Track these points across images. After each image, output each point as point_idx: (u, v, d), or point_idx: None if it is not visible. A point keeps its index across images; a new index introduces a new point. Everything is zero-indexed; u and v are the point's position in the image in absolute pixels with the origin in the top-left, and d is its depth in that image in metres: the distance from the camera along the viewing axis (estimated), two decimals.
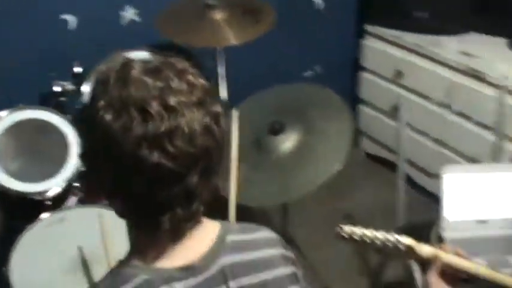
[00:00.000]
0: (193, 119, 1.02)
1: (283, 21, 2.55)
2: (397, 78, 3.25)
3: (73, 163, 2.16)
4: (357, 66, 3.52)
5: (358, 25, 3.46)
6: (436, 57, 3.05)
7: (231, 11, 2.21)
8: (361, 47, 3.43)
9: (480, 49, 3.00)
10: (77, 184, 2.24)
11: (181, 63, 1.07)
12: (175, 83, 1.03)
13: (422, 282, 2.20)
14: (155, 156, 0.99)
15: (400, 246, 1.56)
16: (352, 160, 2.28)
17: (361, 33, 3.42)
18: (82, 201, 2.25)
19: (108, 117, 1.00)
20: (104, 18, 2.60)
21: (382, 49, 3.31)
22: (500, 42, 3.06)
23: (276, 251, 1.22)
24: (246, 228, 1.23)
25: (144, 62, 1.06)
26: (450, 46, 3.07)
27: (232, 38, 2.13)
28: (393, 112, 3.31)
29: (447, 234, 2.28)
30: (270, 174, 2.24)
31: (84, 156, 1.09)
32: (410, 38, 3.18)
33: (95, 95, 1.04)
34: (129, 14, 2.66)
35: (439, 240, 2.26)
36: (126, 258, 1.13)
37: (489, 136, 2.77)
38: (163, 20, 2.20)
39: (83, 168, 1.13)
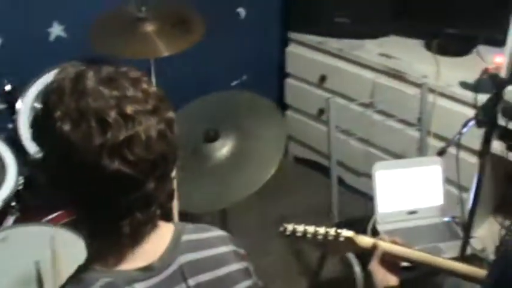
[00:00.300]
0: (149, 126, 1.05)
1: (210, 31, 2.60)
2: (321, 82, 3.35)
3: (11, 183, 2.14)
4: (282, 73, 3.59)
5: (282, 33, 3.53)
6: (358, 60, 3.17)
7: (162, 22, 2.24)
8: (285, 54, 3.52)
9: (399, 51, 3.15)
10: (13, 204, 2.22)
11: (133, 72, 1.10)
12: (130, 92, 1.06)
13: (361, 275, 2.30)
14: (115, 164, 1.02)
15: (341, 239, 1.64)
16: (281, 164, 2.32)
17: (285, 41, 3.49)
18: (18, 221, 2.23)
19: (67, 127, 1.02)
20: (32, 35, 2.58)
21: (306, 55, 3.40)
22: (418, 44, 3.22)
23: (228, 248, 1.28)
24: (199, 228, 1.28)
25: (97, 72, 1.07)
26: (371, 49, 3.20)
27: (163, 49, 2.16)
28: (319, 115, 3.42)
29: (381, 226, 2.39)
30: (209, 181, 2.28)
31: (43, 165, 1.10)
32: (333, 43, 3.29)
33: (49, 105, 1.05)
34: (56, 30, 2.65)
35: (374, 234, 2.36)
36: (85, 264, 1.15)
37: (414, 132, 2.89)
38: (95, 34, 2.20)
39: (40, 177, 1.13)
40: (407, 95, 2.90)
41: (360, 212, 2.65)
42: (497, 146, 2.71)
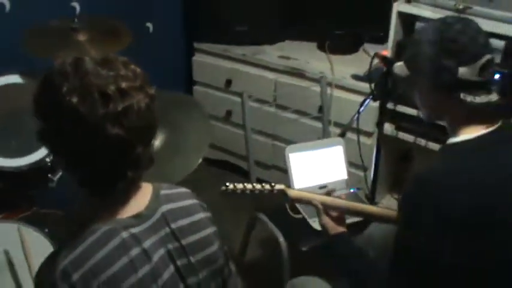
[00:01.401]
0: (139, 100, 1.32)
1: None
2: (227, 86, 3.63)
3: None
4: (190, 81, 3.85)
5: (187, 44, 3.80)
6: (260, 63, 3.49)
7: (93, 32, 2.46)
8: (192, 63, 3.79)
9: (296, 52, 3.51)
10: None
11: (121, 57, 1.36)
12: (123, 72, 1.32)
13: (285, 245, 2.58)
14: (116, 130, 1.28)
15: (275, 191, 1.97)
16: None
17: (191, 51, 3.76)
18: None
19: (75, 100, 1.25)
20: None
21: (212, 62, 3.67)
22: (311, 45, 3.60)
23: (194, 201, 1.57)
24: (171, 186, 1.56)
25: (92, 57, 1.32)
26: (271, 52, 3.54)
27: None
28: (228, 117, 3.71)
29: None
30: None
31: (47, 135, 1.33)
32: (236, 49, 3.58)
33: (55, 84, 1.28)
34: None
35: (293, 209, 2.67)
36: (85, 222, 1.38)
37: (315, 123, 3.23)
38: (29, 42, 2.40)
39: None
40: (308, 90, 3.23)
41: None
42: (387, 127, 3.12)
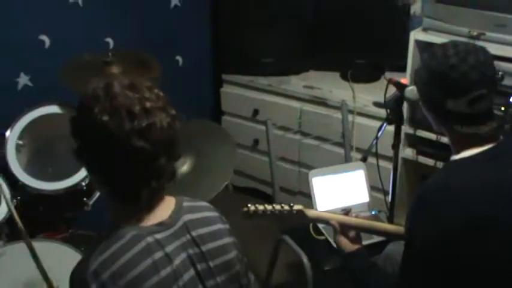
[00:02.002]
0: (162, 118, 1.48)
1: (153, 78, 2.96)
2: (255, 115, 3.77)
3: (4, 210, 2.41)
4: (219, 112, 4.00)
5: (215, 75, 3.97)
6: (285, 93, 3.63)
7: (125, 65, 2.63)
8: (220, 94, 3.94)
9: (320, 82, 3.64)
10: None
11: (146, 82, 1.53)
12: (147, 94, 1.49)
13: (309, 265, 2.68)
14: (141, 143, 1.44)
15: (294, 211, 2.08)
16: (221, 193, 2.63)
17: (219, 82, 3.92)
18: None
19: (105, 118, 1.42)
20: (2, 84, 2.91)
21: (239, 93, 3.82)
22: (334, 75, 3.73)
23: (214, 214, 1.71)
24: (193, 199, 1.70)
25: (120, 82, 1.49)
26: (296, 83, 3.67)
27: None
28: (255, 146, 3.85)
29: (320, 224, 2.80)
30: (174, 192, 2.65)
31: (82, 151, 1.50)
32: (262, 80, 3.73)
33: (88, 106, 1.45)
34: (23, 80, 3.00)
35: (316, 232, 2.78)
36: (114, 225, 1.52)
37: (338, 149, 3.33)
38: (67, 72, 2.57)
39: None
40: (331, 118, 3.35)
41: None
42: (408, 152, 3.22)
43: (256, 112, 3.77)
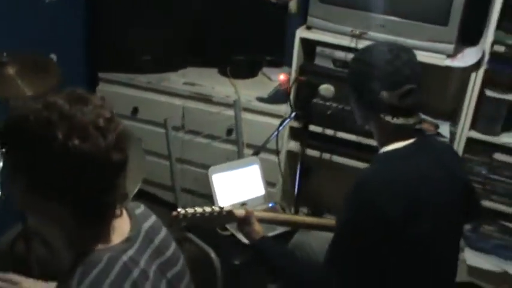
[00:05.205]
0: (117, 123, 1.40)
1: None
2: (134, 114, 3.71)
3: None
4: None
5: (91, 73, 3.86)
6: (166, 90, 3.62)
7: (22, 66, 2.52)
8: (96, 93, 3.83)
9: (200, 78, 3.68)
10: None
11: (79, 90, 1.41)
12: (97, 102, 1.38)
13: (217, 260, 2.75)
14: (118, 156, 1.36)
15: (224, 213, 2.15)
16: None
17: (95, 81, 3.82)
18: None
19: (76, 142, 1.29)
20: None
21: (117, 91, 3.73)
22: (212, 71, 3.79)
23: (156, 218, 1.68)
24: (134, 204, 1.65)
25: (62, 97, 1.35)
26: (176, 80, 3.68)
27: (26, 90, 2.44)
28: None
29: None
30: None
31: (33, 188, 1.35)
32: (141, 78, 3.69)
33: (42, 136, 1.29)
34: None
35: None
36: (85, 249, 1.42)
37: (225, 146, 3.43)
38: None
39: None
40: (215, 114, 3.41)
41: None
42: (292, 145, 3.38)
43: (135, 110, 3.72)
